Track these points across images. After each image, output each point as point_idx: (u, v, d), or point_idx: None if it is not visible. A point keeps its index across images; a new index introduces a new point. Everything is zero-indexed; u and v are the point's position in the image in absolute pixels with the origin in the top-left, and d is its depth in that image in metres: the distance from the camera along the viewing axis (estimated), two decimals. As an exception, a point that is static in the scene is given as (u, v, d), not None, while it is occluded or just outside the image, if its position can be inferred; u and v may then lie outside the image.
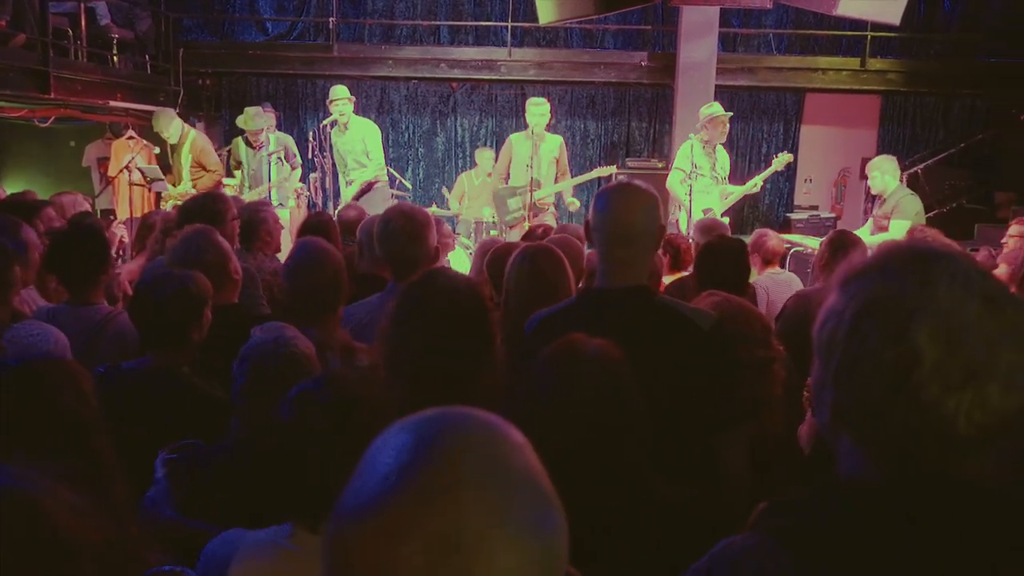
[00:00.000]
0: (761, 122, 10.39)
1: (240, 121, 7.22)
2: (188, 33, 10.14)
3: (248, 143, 7.21)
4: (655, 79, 9.62)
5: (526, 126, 6.99)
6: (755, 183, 6.68)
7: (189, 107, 9.53)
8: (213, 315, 2.35)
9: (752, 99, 10.31)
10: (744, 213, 10.53)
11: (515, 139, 7.08)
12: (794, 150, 10.47)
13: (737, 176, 10.32)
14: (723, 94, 9.37)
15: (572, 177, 7.38)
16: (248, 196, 6.70)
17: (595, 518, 1.39)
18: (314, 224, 3.87)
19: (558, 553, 0.66)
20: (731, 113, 6.78)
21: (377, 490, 0.63)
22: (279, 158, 7.14)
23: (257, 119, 7.13)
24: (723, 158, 6.76)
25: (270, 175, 7.12)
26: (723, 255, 3.11)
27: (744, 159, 10.42)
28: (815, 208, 10.13)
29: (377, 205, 6.90)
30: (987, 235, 8.18)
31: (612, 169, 7.33)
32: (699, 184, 6.46)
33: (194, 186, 6.92)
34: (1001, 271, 3.04)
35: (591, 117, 10.46)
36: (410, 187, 9.39)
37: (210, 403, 2.10)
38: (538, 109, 6.82)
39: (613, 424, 1.42)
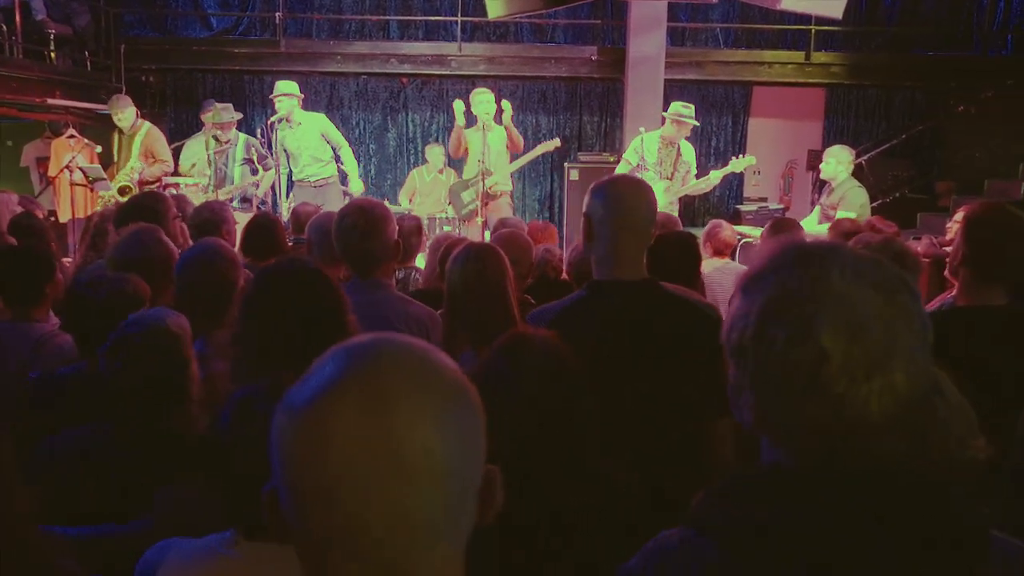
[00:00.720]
0: (710, 115, 10.51)
1: (208, 117, 7.16)
2: (129, 29, 9.88)
3: (217, 139, 7.11)
4: (605, 73, 9.67)
5: (475, 121, 6.97)
6: (710, 179, 6.70)
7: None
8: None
9: (701, 93, 10.42)
10: (695, 205, 10.64)
11: (473, 134, 7.06)
12: (742, 143, 10.63)
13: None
14: (672, 88, 9.46)
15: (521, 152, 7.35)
16: (211, 197, 6.59)
17: (557, 512, 1.40)
18: (262, 222, 3.79)
19: (476, 431, 0.75)
20: (697, 123, 6.80)
21: (310, 387, 0.72)
22: (245, 159, 7.05)
23: (225, 113, 7.10)
24: (687, 151, 6.76)
25: (233, 177, 7.02)
26: (672, 249, 3.13)
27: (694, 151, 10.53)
28: (764, 200, 10.28)
29: (332, 202, 6.86)
30: (929, 223, 8.40)
31: (556, 143, 7.32)
32: (644, 178, 6.53)
33: (142, 172, 6.86)
34: None
35: (543, 112, 10.47)
36: (362, 184, 9.30)
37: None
38: (483, 98, 6.81)
39: (556, 410, 1.44)
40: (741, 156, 6.78)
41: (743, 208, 9.80)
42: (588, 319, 1.89)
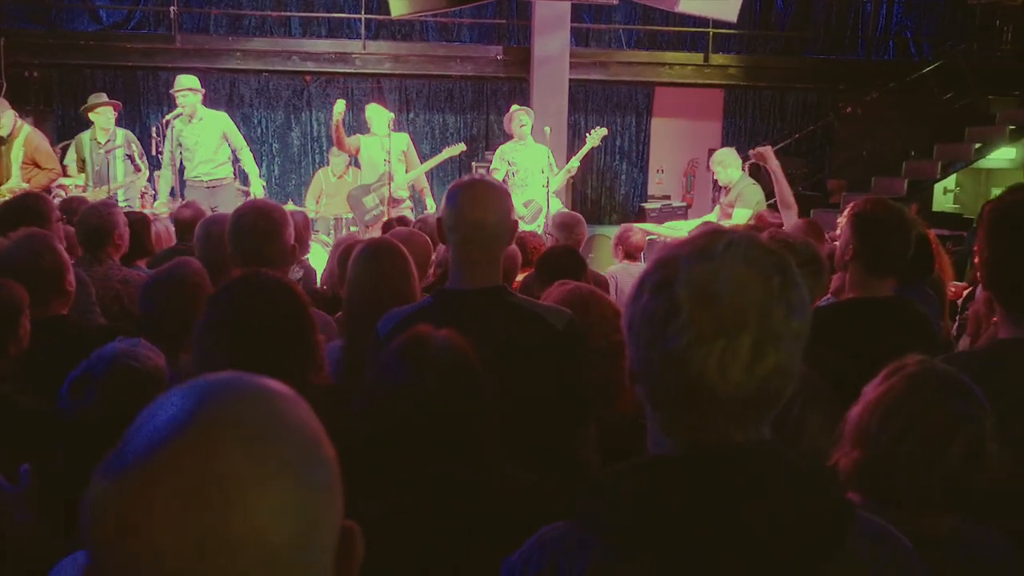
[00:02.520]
0: (614, 115, 10.70)
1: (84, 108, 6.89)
2: (10, 21, 9.33)
3: (96, 140, 6.78)
4: (511, 72, 9.71)
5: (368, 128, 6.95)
6: (571, 167, 6.76)
7: (15, 102, 8.64)
8: (39, 328, 2.16)
9: (605, 93, 10.61)
10: (601, 203, 10.83)
11: (371, 142, 6.99)
12: (646, 142, 10.87)
13: (592, 168, 10.63)
14: (577, 88, 9.59)
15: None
16: (92, 195, 6.28)
17: (446, 501, 1.39)
18: (130, 221, 3.58)
19: (326, 501, 0.67)
20: (516, 108, 6.85)
21: (135, 448, 0.62)
22: (127, 155, 6.74)
23: (98, 96, 6.87)
24: (536, 152, 6.83)
25: (116, 174, 6.69)
26: (558, 260, 3.20)
27: (599, 151, 10.71)
28: (667, 198, 10.55)
29: (229, 203, 6.65)
30: (821, 220, 8.76)
31: (461, 147, 7.30)
32: (517, 180, 6.65)
33: (27, 182, 6.43)
34: None
35: (449, 111, 10.44)
36: (264, 184, 9.04)
37: (34, 419, 1.93)
38: (379, 111, 6.84)
39: (461, 408, 1.43)
40: (593, 131, 6.83)
41: (647, 206, 10.02)
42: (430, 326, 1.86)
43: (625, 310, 0.93)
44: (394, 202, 6.79)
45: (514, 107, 6.94)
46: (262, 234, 2.52)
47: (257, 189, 6.97)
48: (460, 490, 1.41)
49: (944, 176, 9.76)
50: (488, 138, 10.48)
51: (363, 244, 2.37)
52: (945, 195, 11.05)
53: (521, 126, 6.72)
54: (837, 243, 2.58)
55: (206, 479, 0.60)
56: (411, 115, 10.23)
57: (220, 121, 6.92)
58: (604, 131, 6.85)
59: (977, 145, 9.21)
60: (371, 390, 1.50)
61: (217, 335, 1.68)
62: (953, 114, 9.58)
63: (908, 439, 1.24)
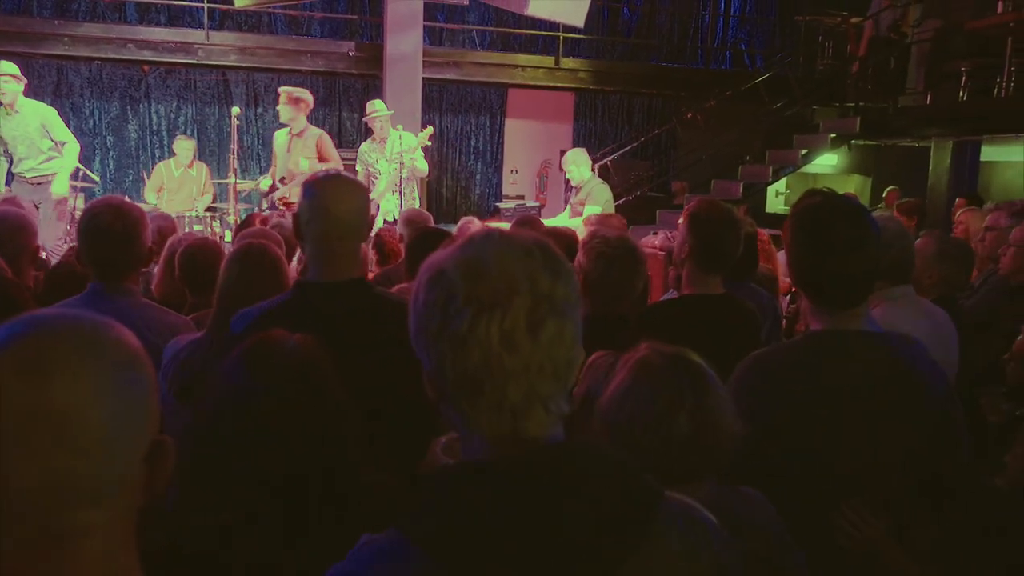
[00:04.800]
0: (469, 115, 10.77)
1: None
2: None
3: None
4: (363, 69, 9.56)
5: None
6: (411, 159, 6.76)
7: None
8: None
9: (460, 93, 10.65)
10: (457, 203, 10.87)
11: (278, 135, 6.80)
12: (500, 142, 11.01)
13: (447, 168, 10.67)
14: (431, 87, 9.58)
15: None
16: None
17: (300, 505, 1.36)
18: None
19: (140, 400, 0.79)
20: (373, 112, 6.83)
21: None
22: None
23: None
24: (391, 142, 6.77)
25: None
26: (429, 244, 3.18)
27: (455, 151, 10.76)
28: (521, 198, 10.72)
29: (52, 201, 6.19)
30: (666, 219, 9.20)
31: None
32: (379, 183, 6.68)
33: None
34: None
35: (300, 106, 10.16)
36: (98, 179, 8.46)
37: None
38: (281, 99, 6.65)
39: (309, 412, 1.39)
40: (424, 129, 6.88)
41: (502, 206, 10.14)
42: (290, 321, 1.83)
43: (410, 324, 0.95)
44: (284, 210, 6.48)
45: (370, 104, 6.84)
46: (122, 236, 2.34)
47: (58, 187, 6.33)
48: (315, 493, 1.37)
49: (776, 179, 10.46)
50: (341, 136, 10.27)
51: (235, 247, 2.27)
52: (777, 197, 11.85)
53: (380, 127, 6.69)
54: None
55: (33, 361, 0.73)
56: (259, 110, 9.88)
57: (39, 112, 6.37)
58: (431, 130, 6.86)
59: (803, 151, 9.92)
60: (216, 396, 1.44)
61: None
62: (783, 122, 10.28)
63: (640, 420, 1.33)
